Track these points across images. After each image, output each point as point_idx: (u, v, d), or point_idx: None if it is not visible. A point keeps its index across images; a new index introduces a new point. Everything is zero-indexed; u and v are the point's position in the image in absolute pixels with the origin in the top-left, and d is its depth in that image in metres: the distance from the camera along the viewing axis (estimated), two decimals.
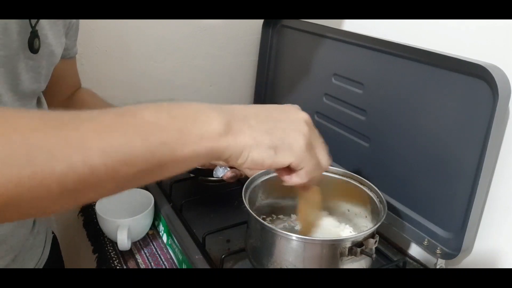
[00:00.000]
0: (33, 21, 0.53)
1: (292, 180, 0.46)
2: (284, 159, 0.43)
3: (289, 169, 0.46)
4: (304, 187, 0.50)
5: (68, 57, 0.71)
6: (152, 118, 0.37)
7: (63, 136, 0.32)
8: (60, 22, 0.61)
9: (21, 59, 0.53)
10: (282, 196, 0.78)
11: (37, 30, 0.53)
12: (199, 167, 0.80)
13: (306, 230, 0.65)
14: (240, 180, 0.74)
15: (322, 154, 0.47)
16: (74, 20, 0.67)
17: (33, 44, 0.53)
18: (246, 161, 0.41)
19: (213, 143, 0.38)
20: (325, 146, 0.48)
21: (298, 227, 0.65)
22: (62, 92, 0.78)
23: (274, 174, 0.76)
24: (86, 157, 0.32)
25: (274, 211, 0.78)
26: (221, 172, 0.78)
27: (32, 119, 0.33)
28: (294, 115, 0.46)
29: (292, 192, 0.78)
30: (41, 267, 0.67)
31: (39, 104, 0.63)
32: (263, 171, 0.75)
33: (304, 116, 0.46)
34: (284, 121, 0.44)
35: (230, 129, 0.39)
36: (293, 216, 0.80)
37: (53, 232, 0.77)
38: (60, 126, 0.33)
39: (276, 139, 0.42)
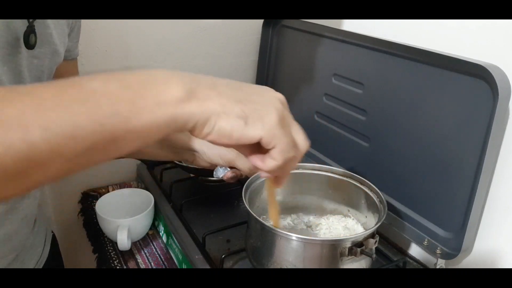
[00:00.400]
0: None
1: (266, 164, 0.41)
2: (255, 132, 0.38)
3: (259, 150, 0.41)
4: (277, 179, 0.46)
5: (70, 58, 0.71)
6: (100, 88, 0.33)
7: (1, 112, 0.29)
8: (63, 22, 0.61)
9: (24, 57, 0.53)
10: (282, 196, 0.78)
11: (34, 26, 0.52)
12: (199, 167, 0.80)
13: (277, 223, 0.62)
14: (240, 180, 0.74)
15: (298, 135, 0.42)
16: (77, 21, 0.67)
17: (28, 39, 0.52)
18: (213, 131, 0.36)
19: (173, 109, 0.34)
20: (301, 130, 0.43)
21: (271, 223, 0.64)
22: None
23: None
24: (24, 134, 0.29)
25: None
26: (221, 172, 0.78)
27: None
28: (268, 92, 0.42)
29: (292, 191, 0.79)
30: (41, 266, 0.67)
31: None
32: None
33: (278, 95, 0.42)
34: (257, 95, 0.40)
35: (193, 94, 0.36)
36: (293, 216, 0.80)
37: (52, 232, 0.77)
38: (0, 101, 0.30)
39: (247, 109, 0.38)
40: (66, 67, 0.68)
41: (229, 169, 0.77)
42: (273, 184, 0.49)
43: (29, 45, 0.52)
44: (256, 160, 0.42)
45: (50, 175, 0.32)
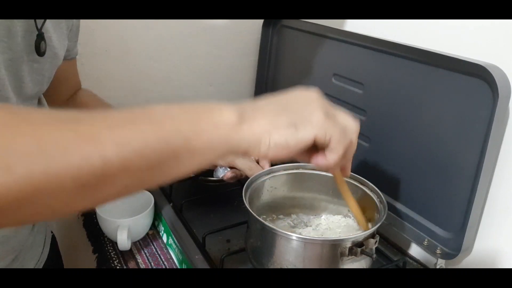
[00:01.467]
0: (39, 23, 0.53)
1: (329, 159, 0.43)
2: (308, 134, 0.40)
3: (316, 151, 0.44)
4: (343, 169, 0.49)
5: (69, 58, 0.71)
6: (163, 111, 0.36)
7: (76, 130, 0.31)
8: (63, 25, 0.61)
9: (25, 62, 0.53)
10: (283, 196, 0.78)
11: (43, 33, 0.53)
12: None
13: (363, 221, 0.65)
14: (240, 180, 0.74)
15: (345, 118, 0.44)
16: (75, 22, 0.67)
17: (39, 47, 0.53)
18: (270, 147, 0.39)
19: (228, 132, 0.37)
20: (346, 112, 0.45)
21: (355, 223, 0.66)
22: (62, 93, 0.78)
23: (275, 174, 0.76)
24: (100, 150, 0.31)
25: (274, 211, 0.78)
26: (221, 173, 0.78)
27: (43, 114, 0.32)
28: (303, 92, 0.44)
29: (292, 191, 0.79)
30: (40, 266, 0.67)
31: (40, 105, 0.63)
32: (263, 170, 0.75)
33: (313, 91, 0.44)
34: (295, 99, 0.43)
35: (243, 118, 0.38)
36: (293, 216, 0.80)
37: (52, 232, 0.77)
38: (71, 121, 0.32)
39: (292, 116, 0.40)
40: (66, 67, 0.69)
41: (229, 169, 0.77)
42: (341, 175, 0.52)
43: (40, 52, 0.54)
44: (319, 160, 0.44)
45: (116, 191, 0.34)
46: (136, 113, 0.36)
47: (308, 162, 0.46)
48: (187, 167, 0.37)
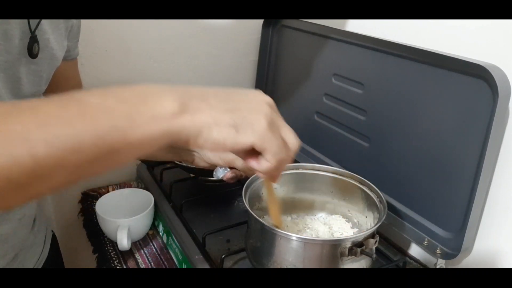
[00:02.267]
0: (33, 25, 0.53)
1: (261, 165, 0.43)
2: (246, 138, 0.40)
3: (255, 155, 0.44)
4: (272, 176, 0.48)
5: (70, 58, 0.71)
6: (98, 103, 0.35)
7: (4, 129, 0.31)
8: (62, 26, 0.61)
9: (23, 63, 0.53)
10: (283, 196, 0.78)
11: (36, 36, 0.53)
12: (199, 167, 0.79)
13: (279, 222, 0.64)
14: (240, 180, 0.74)
15: (288, 135, 0.44)
16: (75, 22, 0.67)
17: (32, 49, 0.53)
18: (207, 141, 0.39)
19: (166, 123, 0.37)
20: (291, 130, 0.45)
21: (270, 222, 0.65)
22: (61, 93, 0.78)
23: None
24: (30, 149, 0.31)
25: None
26: (221, 173, 0.78)
27: None
28: (256, 97, 0.43)
29: (292, 191, 0.79)
30: (40, 266, 0.67)
31: None
32: None
33: (266, 98, 0.44)
34: (245, 102, 0.42)
35: (185, 108, 0.38)
36: (293, 216, 0.80)
37: (52, 231, 0.77)
38: (2, 118, 0.32)
39: (236, 118, 0.40)
40: (66, 67, 0.68)
41: (229, 169, 0.77)
42: (269, 180, 0.53)
43: (33, 55, 0.54)
44: (252, 162, 0.44)
45: (52, 186, 0.34)
46: (69, 106, 0.34)
47: (242, 159, 0.46)
48: (127, 158, 0.37)
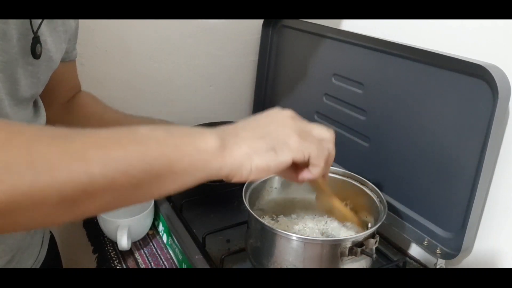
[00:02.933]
0: (35, 26, 0.53)
1: (313, 173, 0.47)
2: (286, 157, 0.43)
3: (297, 168, 0.47)
4: (324, 176, 0.53)
5: (68, 60, 0.70)
6: (149, 133, 0.38)
7: (64, 146, 0.33)
8: (60, 29, 0.61)
9: (20, 64, 0.53)
10: (283, 196, 0.78)
11: (38, 36, 0.53)
12: None
13: (351, 216, 0.68)
14: None
15: (320, 132, 0.48)
16: (73, 24, 0.67)
17: (35, 49, 0.54)
18: (251, 171, 0.42)
19: (210, 157, 0.39)
20: (319, 126, 0.49)
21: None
22: (61, 95, 0.77)
23: (275, 174, 0.76)
24: (86, 167, 0.33)
25: (274, 211, 0.78)
26: None
27: (34, 130, 0.34)
28: (278, 115, 0.47)
29: (292, 191, 0.79)
30: (38, 266, 0.67)
31: (35, 107, 0.62)
32: None
33: (286, 113, 0.47)
34: (271, 124, 0.45)
35: (224, 144, 0.41)
36: (293, 216, 0.80)
37: (50, 232, 0.77)
38: (61, 138, 0.34)
39: (270, 141, 0.43)
40: (65, 69, 0.68)
41: None
42: (322, 181, 0.58)
43: (36, 55, 0.54)
44: (305, 174, 0.48)
45: (99, 207, 0.36)
46: (123, 133, 0.37)
47: (293, 178, 0.50)
48: (169, 188, 0.39)
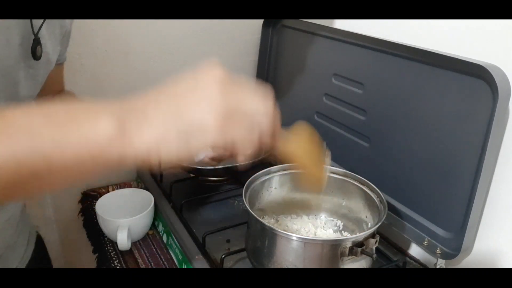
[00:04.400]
0: (36, 28, 0.53)
1: (240, 160, 0.38)
2: (202, 143, 0.35)
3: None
4: (271, 145, 0.41)
5: (58, 63, 0.70)
6: (23, 121, 0.32)
7: None
8: (57, 31, 0.61)
9: (22, 68, 0.53)
10: (283, 196, 0.78)
11: (39, 38, 0.53)
12: (199, 167, 0.79)
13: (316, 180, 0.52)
14: (240, 180, 0.74)
15: (251, 105, 0.37)
16: (69, 27, 0.66)
17: (35, 51, 0.52)
18: (161, 159, 0.35)
19: (100, 147, 0.33)
20: (254, 93, 0.38)
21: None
22: (45, 97, 0.76)
23: (275, 174, 0.76)
24: None
25: (274, 211, 0.78)
26: (202, 155, 0.67)
27: None
28: (204, 81, 0.37)
29: (292, 191, 0.79)
30: (23, 266, 0.67)
31: None
32: (263, 170, 0.75)
33: (214, 76, 0.37)
34: (191, 93, 0.36)
35: (124, 128, 0.34)
36: (293, 216, 0.80)
37: (37, 232, 0.76)
38: None
39: (182, 124, 0.35)
40: (54, 71, 0.67)
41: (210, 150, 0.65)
42: (272, 147, 0.43)
43: (36, 57, 0.53)
44: (238, 159, 0.39)
45: None
46: None
47: (227, 159, 0.42)
48: (57, 183, 0.34)
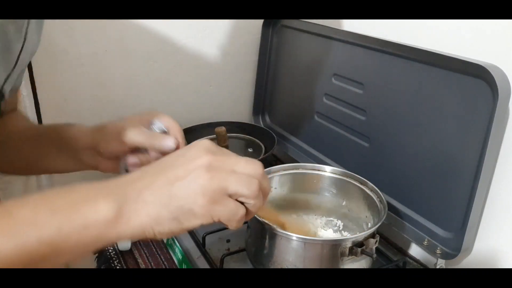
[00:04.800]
0: (1, 80, 0.51)
1: (230, 228, 0.43)
2: (192, 224, 0.40)
3: None
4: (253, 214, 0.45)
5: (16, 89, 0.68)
6: (29, 216, 0.36)
7: None
8: (19, 77, 0.59)
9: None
10: (283, 196, 0.78)
11: (4, 93, 0.52)
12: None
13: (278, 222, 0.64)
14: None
15: (240, 187, 0.41)
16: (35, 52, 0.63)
17: (0, 107, 0.52)
18: (156, 236, 0.39)
19: (103, 229, 0.37)
20: (243, 176, 0.41)
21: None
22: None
23: (275, 174, 0.76)
24: None
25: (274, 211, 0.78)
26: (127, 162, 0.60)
27: None
28: (192, 165, 0.40)
29: (292, 191, 0.79)
30: None
31: None
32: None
33: (202, 161, 0.40)
34: (181, 180, 0.40)
35: (122, 212, 0.38)
36: (293, 216, 0.80)
37: None
38: None
39: (174, 210, 0.39)
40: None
41: (129, 156, 0.58)
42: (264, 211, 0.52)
43: (1, 112, 0.54)
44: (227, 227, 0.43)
45: None
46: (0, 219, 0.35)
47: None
48: (60, 263, 0.37)
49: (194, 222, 0.40)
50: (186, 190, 0.39)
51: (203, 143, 0.43)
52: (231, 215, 0.41)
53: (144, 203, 0.39)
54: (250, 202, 0.42)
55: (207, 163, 0.40)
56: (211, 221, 0.41)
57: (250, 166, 0.42)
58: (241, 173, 0.41)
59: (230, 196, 0.41)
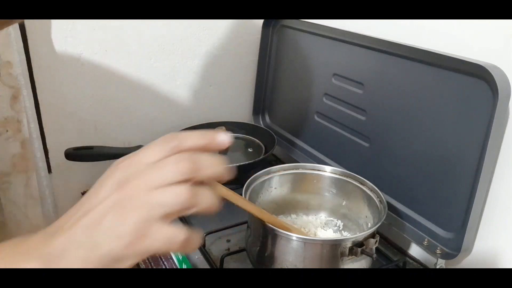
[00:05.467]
0: None
1: (187, 252, 0.39)
2: (128, 265, 0.37)
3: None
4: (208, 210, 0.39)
5: None
6: None
7: None
8: None
9: None
10: (283, 196, 0.78)
11: None
12: None
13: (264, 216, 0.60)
14: (240, 180, 0.73)
15: (168, 206, 0.35)
16: None
17: None
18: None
19: None
20: (159, 190, 0.35)
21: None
22: None
23: (274, 174, 0.76)
24: None
25: (274, 211, 0.78)
26: None
27: None
28: (103, 206, 0.36)
29: (292, 191, 0.79)
30: None
31: None
32: (263, 170, 0.75)
33: (112, 200, 0.36)
34: (99, 225, 0.36)
35: (49, 262, 0.36)
36: (293, 216, 0.80)
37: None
38: None
39: (102, 258, 0.36)
40: None
41: None
42: (222, 188, 0.47)
43: None
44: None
45: None
46: None
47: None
48: None
49: (127, 263, 0.36)
50: (106, 236, 0.35)
51: (115, 172, 0.37)
52: (167, 243, 0.36)
53: (69, 259, 0.36)
54: (192, 208, 0.36)
55: (116, 200, 0.36)
56: (147, 256, 0.37)
57: (167, 170, 0.36)
58: (160, 186, 0.35)
59: (166, 217, 0.36)
